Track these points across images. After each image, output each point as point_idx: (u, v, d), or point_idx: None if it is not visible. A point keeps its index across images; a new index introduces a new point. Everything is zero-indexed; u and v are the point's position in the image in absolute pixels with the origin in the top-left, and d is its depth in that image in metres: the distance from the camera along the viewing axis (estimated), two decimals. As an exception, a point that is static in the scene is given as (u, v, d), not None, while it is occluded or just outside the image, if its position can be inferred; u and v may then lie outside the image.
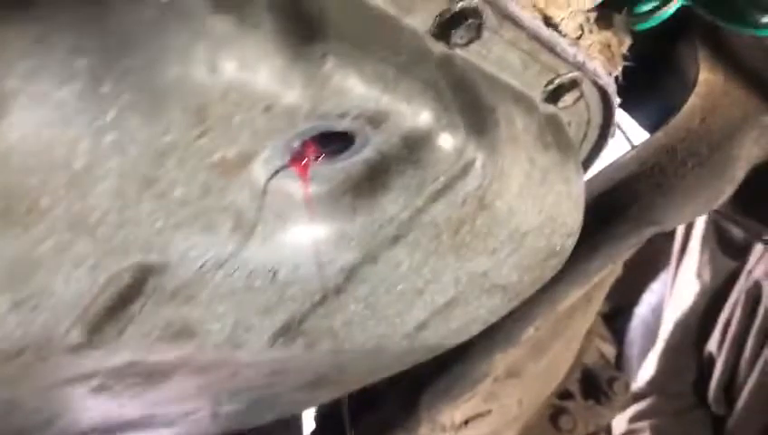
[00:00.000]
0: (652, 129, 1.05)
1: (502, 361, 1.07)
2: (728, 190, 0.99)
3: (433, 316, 0.82)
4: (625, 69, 0.85)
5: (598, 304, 1.23)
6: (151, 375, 0.68)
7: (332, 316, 0.69)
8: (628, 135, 1.05)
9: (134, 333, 0.56)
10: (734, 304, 1.98)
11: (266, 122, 0.45)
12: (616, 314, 2.00)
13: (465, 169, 0.60)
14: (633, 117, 1.08)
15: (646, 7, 0.55)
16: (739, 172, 0.98)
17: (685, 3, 0.53)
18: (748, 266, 1.99)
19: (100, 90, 0.38)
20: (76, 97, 0.38)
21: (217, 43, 0.39)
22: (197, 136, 0.42)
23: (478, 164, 0.60)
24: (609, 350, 1.64)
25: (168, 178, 0.44)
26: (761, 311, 1.90)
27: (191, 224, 0.48)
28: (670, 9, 0.53)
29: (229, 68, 0.40)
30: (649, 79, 1.00)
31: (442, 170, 0.59)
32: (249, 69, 0.41)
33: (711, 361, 2.04)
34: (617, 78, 0.84)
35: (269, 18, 0.43)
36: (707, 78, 0.95)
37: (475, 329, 0.94)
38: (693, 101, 0.98)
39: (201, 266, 0.53)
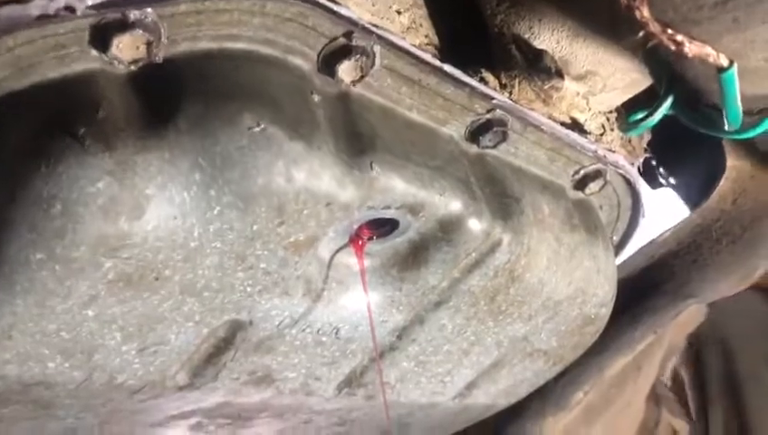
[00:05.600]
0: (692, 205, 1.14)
1: (554, 425, 1.16)
2: (762, 266, 1.06)
3: (481, 376, 0.94)
4: (669, 153, 0.96)
5: (650, 373, 1.30)
6: (238, 417, 0.83)
7: (388, 371, 0.82)
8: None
9: (226, 377, 0.71)
10: None
11: (327, 214, 0.60)
12: None
13: (493, 247, 0.73)
14: (678, 193, 1.18)
15: (636, 117, 0.67)
16: (772, 249, 1.06)
17: (667, 113, 0.64)
18: None
19: (209, 193, 0.54)
20: (192, 199, 0.54)
21: (292, 161, 0.55)
22: (277, 225, 0.58)
23: (505, 243, 0.73)
24: (682, 425, 1.69)
25: (255, 255, 0.59)
26: None
27: (272, 290, 0.63)
28: (655, 118, 0.65)
29: (300, 178, 0.56)
30: (690, 162, 1.10)
31: (473, 248, 0.72)
32: (315, 178, 0.56)
33: None
34: (646, 162, 0.96)
35: (330, 140, 0.58)
36: (735, 164, 1.04)
37: (524, 390, 1.04)
38: (724, 184, 1.06)
39: (279, 324, 0.68)
